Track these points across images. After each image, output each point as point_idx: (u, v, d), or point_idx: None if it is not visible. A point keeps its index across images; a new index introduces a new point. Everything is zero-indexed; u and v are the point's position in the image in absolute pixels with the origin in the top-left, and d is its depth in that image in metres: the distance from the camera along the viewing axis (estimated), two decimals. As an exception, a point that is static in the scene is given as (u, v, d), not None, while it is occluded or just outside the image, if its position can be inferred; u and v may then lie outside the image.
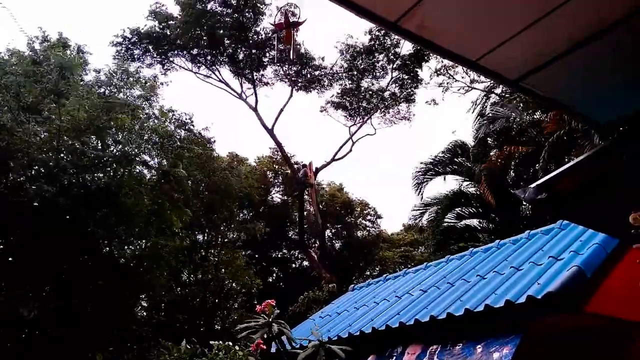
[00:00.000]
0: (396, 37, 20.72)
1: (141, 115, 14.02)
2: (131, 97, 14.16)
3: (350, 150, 25.28)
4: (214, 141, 19.22)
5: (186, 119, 17.54)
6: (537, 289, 5.31)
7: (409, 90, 24.47)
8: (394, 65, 23.74)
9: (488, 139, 17.01)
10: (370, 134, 26.03)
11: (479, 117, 17.74)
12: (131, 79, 14.50)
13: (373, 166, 46.03)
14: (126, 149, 13.32)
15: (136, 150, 13.55)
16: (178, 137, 15.96)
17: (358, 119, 25.74)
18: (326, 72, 24.52)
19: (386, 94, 24.76)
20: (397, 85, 24.61)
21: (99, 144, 13.32)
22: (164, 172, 14.20)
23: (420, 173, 17.87)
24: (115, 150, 13.62)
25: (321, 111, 25.89)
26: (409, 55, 23.09)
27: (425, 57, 22.73)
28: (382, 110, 25.43)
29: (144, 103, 14.58)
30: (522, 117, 15.50)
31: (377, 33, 22.42)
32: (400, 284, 9.07)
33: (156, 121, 14.78)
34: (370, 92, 24.84)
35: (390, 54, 23.37)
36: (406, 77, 24.10)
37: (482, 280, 6.64)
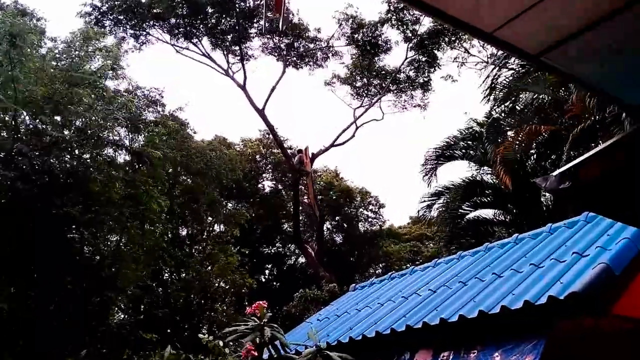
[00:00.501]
0: (416, 12, 20.58)
1: (104, 88, 13.87)
2: (94, 68, 13.98)
3: (353, 136, 25.27)
4: (188, 123, 18.98)
5: (156, 96, 17.13)
6: (560, 289, 5.33)
7: (425, 74, 24.36)
8: (411, 45, 23.54)
9: (502, 122, 16.95)
10: (377, 119, 25.98)
11: (492, 95, 17.66)
12: (90, 47, 14.25)
13: (378, 154, 46.09)
14: (92, 126, 13.23)
15: (104, 129, 13.47)
16: (146, 116, 15.82)
17: (366, 99, 25.63)
18: (321, 45, 24.35)
19: (401, 75, 24.65)
20: (412, 67, 24.48)
21: (61, 122, 13.21)
22: (136, 154, 14.15)
23: (430, 158, 17.79)
24: (80, 130, 13.52)
25: (327, 84, 25.82)
26: (428, 34, 22.83)
27: (446, 38, 22.49)
28: (396, 93, 25.32)
29: (109, 74, 14.42)
30: (543, 95, 15.46)
31: (396, 5, 22.17)
32: (407, 283, 9.12)
33: (124, 96, 14.61)
34: (383, 72, 24.71)
35: (408, 31, 23.11)
36: (423, 59, 23.95)
37: (498, 278, 6.68)
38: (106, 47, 14.95)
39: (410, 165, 53.17)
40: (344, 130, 25.04)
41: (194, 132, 19.77)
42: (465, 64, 23.38)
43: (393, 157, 51.20)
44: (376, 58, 24.39)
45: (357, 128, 25.32)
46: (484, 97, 17.57)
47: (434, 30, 22.50)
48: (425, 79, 24.54)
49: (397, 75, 24.73)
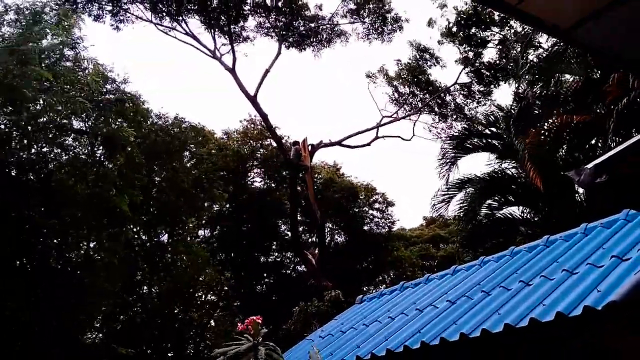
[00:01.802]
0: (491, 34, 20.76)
1: (62, 66, 13.64)
2: (48, 41, 13.70)
3: (369, 144, 25.61)
4: (140, 95, 18.47)
5: (106, 71, 16.67)
6: (597, 298, 5.33)
7: (474, 105, 24.63)
8: (468, 70, 23.78)
9: (530, 109, 16.92)
10: (405, 138, 26.16)
11: (518, 78, 17.66)
12: (41, 15, 13.80)
13: (389, 164, 46.28)
14: (50, 112, 13.04)
15: (64, 115, 13.26)
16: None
17: (403, 109, 25.80)
18: (324, 24, 24.46)
19: (447, 98, 25.00)
20: (462, 93, 24.73)
21: (15, 109, 12.99)
22: (105, 139, 13.97)
23: (450, 148, 17.67)
24: (36, 117, 13.30)
25: (368, 77, 26.16)
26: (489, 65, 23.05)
27: (507, 73, 22.65)
28: (436, 115, 25.50)
29: (68, 54, 14.14)
30: (576, 77, 15.43)
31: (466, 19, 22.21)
32: (421, 293, 9.12)
33: (83, 73, 14.34)
34: (431, 87, 24.96)
35: (470, 48, 23.25)
36: (477, 89, 24.17)
37: (526, 287, 6.67)
38: (53, 16, 14.53)
39: (424, 181, 53.92)
40: (359, 132, 25.45)
41: (160, 117, 19.70)
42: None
43: (406, 169, 51.90)
44: (426, 66, 24.76)
45: (376, 137, 25.58)
46: (513, 77, 17.52)
47: (495, 64, 22.71)
48: (473, 111, 24.89)
49: (445, 97, 24.88)
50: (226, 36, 23.80)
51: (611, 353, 5.59)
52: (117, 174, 14.05)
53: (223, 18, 23.51)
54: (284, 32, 24.34)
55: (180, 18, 23.58)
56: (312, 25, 24.50)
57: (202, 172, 19.71)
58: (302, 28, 24.45)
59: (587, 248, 6.95)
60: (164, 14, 23.44)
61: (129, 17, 23.07)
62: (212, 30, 23.85)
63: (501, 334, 5.79)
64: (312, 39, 24.79)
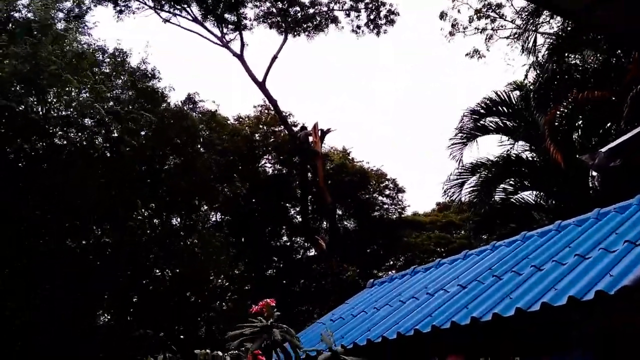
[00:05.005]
0: None
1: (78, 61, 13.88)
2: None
3: None
4: (158, 74, 18.96)
5: (120, 59, 17.15)
6: (609, 283, 5.35)
7: None
8: None
9: (549, 88, 16.69)
10: None
11: (532, 61, 17.40)
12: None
13: (400, 137, 46.16)
14: (71, 109, 13.28)
15: (83, 115, 13.49)
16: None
17: None
18: (321, 9, 24.45)
19: None
20: None
21: (36, 103, 13.26)
22: (117, 140, 14.18)
23: (467, 122, 17.28)
24: (56, 111, 13.57)
25: None
26: None
27: None
28: None
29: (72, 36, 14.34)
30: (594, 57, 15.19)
31: None
32: (432, 277, 9.16)
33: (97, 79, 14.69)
34: None
35: None
36: None
37: (537, 272, 6.69)
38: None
39: (435, 150, 53.57)
40: None
41: (173, 89, 19.85)
42: (495, 33, 23.19)
43: (417, 140, 51.60)
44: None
45: None
46: (527, 58, 17.17)
47: None
48: None
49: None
50: (227, 25, 23.86)
51: (621, 336, 5.62)
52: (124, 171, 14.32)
53: (220, 5, 23.49)
54: (282, 18, 24.35)
55: (183, 5, 23.57)
56: (310, 11, 24.57)
57: (214, 157, 19.80)
58: (299, 15, 24.50)
59: (599, 233, 6.94)
60: (165, 2, 23.47)
61: (129, 5, 23.14)
62: (217, 21, 23.85)
63: (513, 318, 5.82)
64: (307, 24, 24.83)
